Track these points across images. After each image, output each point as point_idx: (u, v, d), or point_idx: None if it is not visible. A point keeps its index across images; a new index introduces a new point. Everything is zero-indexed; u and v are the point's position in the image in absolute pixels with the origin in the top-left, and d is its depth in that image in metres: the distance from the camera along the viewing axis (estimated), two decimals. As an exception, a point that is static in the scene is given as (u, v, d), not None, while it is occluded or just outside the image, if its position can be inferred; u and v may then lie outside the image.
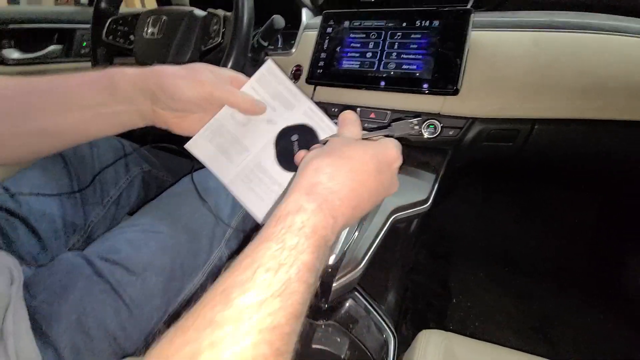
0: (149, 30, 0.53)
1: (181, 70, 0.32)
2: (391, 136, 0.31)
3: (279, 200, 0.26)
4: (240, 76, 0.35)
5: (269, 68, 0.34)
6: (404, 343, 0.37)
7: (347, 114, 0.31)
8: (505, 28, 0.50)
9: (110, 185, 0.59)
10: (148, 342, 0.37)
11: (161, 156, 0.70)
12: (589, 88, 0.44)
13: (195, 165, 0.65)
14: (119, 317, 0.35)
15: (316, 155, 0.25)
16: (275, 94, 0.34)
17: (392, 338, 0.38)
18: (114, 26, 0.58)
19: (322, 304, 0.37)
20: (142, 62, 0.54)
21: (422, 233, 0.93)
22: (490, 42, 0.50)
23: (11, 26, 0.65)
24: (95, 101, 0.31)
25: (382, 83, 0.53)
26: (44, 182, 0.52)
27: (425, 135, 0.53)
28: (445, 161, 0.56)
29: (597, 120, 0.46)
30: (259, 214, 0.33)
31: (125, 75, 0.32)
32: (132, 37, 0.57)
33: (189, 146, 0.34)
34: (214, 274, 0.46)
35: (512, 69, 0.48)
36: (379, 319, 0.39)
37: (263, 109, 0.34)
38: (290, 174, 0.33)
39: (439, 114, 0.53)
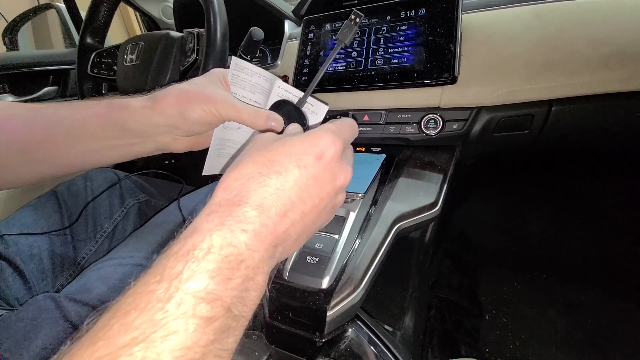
0: (128, 58, 0.52)
1: (190, 93, 0.30)
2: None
3: None
4: (222, 71, 0.33)
5: (236, 65, 0.33)
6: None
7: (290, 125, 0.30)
8: (500, 5, 0.45)
9: (103, 218, 0.57)
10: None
11: (157, 183, 0.68)
12: (607, 58, 0.38)
13: (183, 190, 0.63)
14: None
15: (228, 171, 0.21)
16: (252, 86, 0.34)
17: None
18: (98, 59, 0.58)
19: (317, 338, 0.31)
20: (124, 89, 0.53)
21: (441, 241, 0.84)
22: (485, 22, 0.45)
23: (5, 72, 0.67)
24: (105, 135, 0.31)
25: (372, 81, 0.49)
26: (34, 221, 0.51)
27: (427, 132, 0.48)
28: (454, 159, 0.50)
29: (623, 92, 0.40)
30: None
31: (133, 111, 0.31)
32: (115, 67, 0.57)
33: (206, 172, 0.34)
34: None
35: (514, 48, 0.42)
36: (387, 353, 0.32)
37: (265, 118, 0.31)
38: None
39: (438, 107, 0.48)
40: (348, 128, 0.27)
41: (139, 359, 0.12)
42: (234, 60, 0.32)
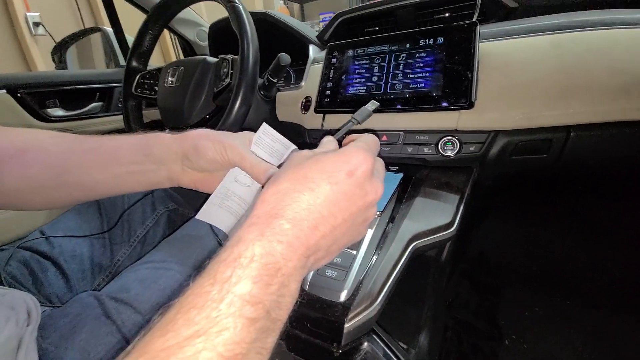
0: (169, 80, 0.58)
1: (211, 134, 0.34)
2: (355, 131, 0.31)
3: None
4: (251, 133, 0.37)
5: (265, 130, 0.36)
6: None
7: (324, 138, 0.31)
8: (518, 35, 0.47)
9: (137, 224, 0.62)
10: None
11: (186, 194, 0.73)
12: (627, 86, 0.38)
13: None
14: (122, 361, 0.33)
15: (266, 187, 0.24)
16: (272, 151, 0.36)
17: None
18: (142, 80, 0.64)
19: (334, 349, 0.32)
20: (163, 107, 0.59)
21: (458, 261, 0.83)
22: (502, 51, 0.47)
23: (57, 88, 0.75)
24: (129, 160, 0.34)
25: (391, 104, 0.51)
26: (77, 225, 0.56)
27: (444, 153, 0.50)
28: (471, 180, 0.51)
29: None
30: None
31: (161, 139, 0.35)
32: (156, 88, 0.63)
33: (200, 216, 0.35)
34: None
35: (532, 75, 0.44)
36: (401, 366, 0.33)
37: (264, 170, 0.33)
38: None
39: (455, 129, 0.49)
40: (375, 144, 0.29)
41: (200, 349, 0.15)
42: (263, 126, 0.35)
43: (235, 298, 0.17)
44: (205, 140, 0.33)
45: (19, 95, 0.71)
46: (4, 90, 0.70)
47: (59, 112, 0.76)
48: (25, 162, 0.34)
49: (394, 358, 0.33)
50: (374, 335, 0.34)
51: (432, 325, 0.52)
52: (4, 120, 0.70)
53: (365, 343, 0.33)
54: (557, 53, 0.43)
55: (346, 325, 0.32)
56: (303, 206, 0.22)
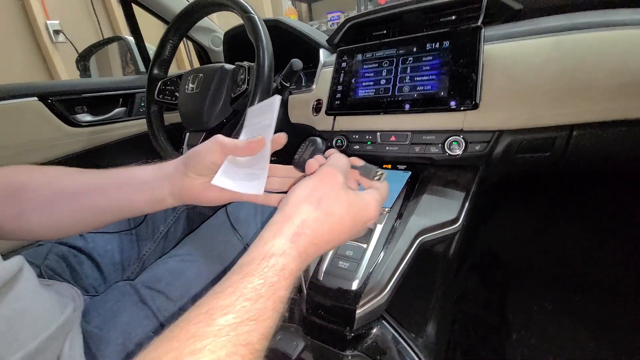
0: (189, 86, 0.62)
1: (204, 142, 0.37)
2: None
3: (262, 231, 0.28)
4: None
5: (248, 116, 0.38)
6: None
7: (334, 153, 0.35)
8: (521, 37, 0.49)
9: (159, 222, 0.67)
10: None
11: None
12: (626, 86, 0.40)
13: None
14: (157, 343, 0.37)
15: (304, 199, 0.28)
16: (259, 125, 0.36)
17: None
18: (163, 87, 0.69)
19: (347, 332, 0.35)
20: (184, 112, 0.63)
21: (466, 256, 0.85)
22: (506, 53, 0.49)
23: (84, 95, 0.80)
24: (142, 179, 0.36)
25: (399, 106, 0.54)
26: (107, 223, 0.61)
27: (450, 152, 0.52)
28: (477, 177, 0.53)
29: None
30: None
31: (172, 158, 0.38)
32: (177, 93, 0.67)
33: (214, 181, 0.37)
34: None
35: (535, 76, 0.46)
36: (409, 350, 0.36)
37: (261, 144, 0.35)
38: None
39: (461, 129, 0.51)
40: (387, 191, 0.34)
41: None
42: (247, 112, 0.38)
43: (277, 299, 0.23)
44: (201, 146, 0.35)
45: (49, 101, 0.77)
46: (36, 98, 0.75)
47: (87, 117, 0.82)
48: (54, 191, 0.35)
49: (402, 342, 0.36)
50: (383, 322, 0.37)
51: (439, 316, 0.55)
52: (38, 125, 0.76)
53: (375, 328, 0.37)
54: (559, 54, 0.45)
55: (358, 311, 0.35)
56: (329, 239, 0.28)
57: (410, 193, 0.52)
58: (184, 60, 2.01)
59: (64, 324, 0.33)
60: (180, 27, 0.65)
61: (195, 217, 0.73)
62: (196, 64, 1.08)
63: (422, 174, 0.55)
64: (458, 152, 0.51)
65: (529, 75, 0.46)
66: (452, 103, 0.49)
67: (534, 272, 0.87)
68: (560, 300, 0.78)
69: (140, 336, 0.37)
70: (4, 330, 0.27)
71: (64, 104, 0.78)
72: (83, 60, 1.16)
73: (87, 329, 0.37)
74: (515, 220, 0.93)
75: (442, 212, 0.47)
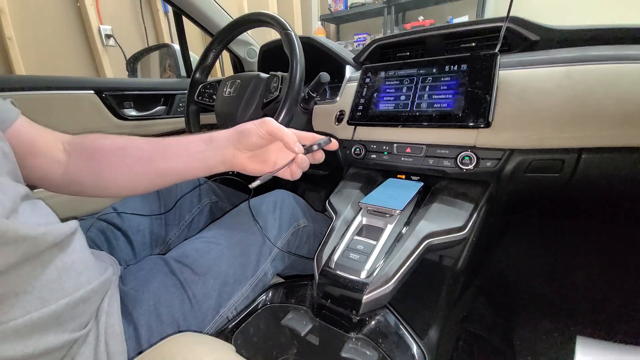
0: (227, 91, 0.69)
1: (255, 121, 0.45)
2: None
3: None
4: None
5: None
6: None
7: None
8: (535, 65, 0.52)
9: (186, 211, 0.73)
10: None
11: (226, 191, 0.84)
12: (631, 115, 0.43)
13: (252, 193, 0.76)
14: (183, 309, 0.42)
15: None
16: None
17: (420, 355, 0.37)
18: (203, 90, 0.76)
19: (353, 316, 0.38)
20: (220, 113, 0.70)
21: (474, 275, 0.86)
22: (520, 78, 0.53)
23: (131, 92, 0.90)
24: (196, 149, 0.44)
25: (416, 121, 0.58)
26: (141, 206, 0.67)
27: (462, 167, 0.55)
28: (487, 192, 0.56)
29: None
30: None
31: (220, 133, 0.46)
32: (214, 97, 0.74)
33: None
34: (259, 287, 0.52)
35: (545, 101, 0.49)
36: (408, 336, 0.38)
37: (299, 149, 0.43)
38: None
39: (474, 146, 0.55)
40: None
41: None
42: None
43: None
44: (248, 124, 0.44)
45: (103, 95, 0.86)
46: (92, 91, 0.85)
47: (132, 112, 0.92)
48: (125, 155, 0.44)
49: (403, 330, 0.39)
50: (387, 311, 0.40)
51: (442, 324, 0.56)
52: (91, 115, 0.85)
53: (379, 315, 0.39)
54: (569, 82, 0.48)
55: (364, 297, 0.38)
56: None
57: (421, 202, 0.56)
58: (216, 67, 2.16)
59: (104, 282, 0.38)
60: (224, 38, 0.73)
61: (216, 211, 0.79)
62: (227, 72, 1.18)
63: (434, 186, 0.59)
64: (470, 166, 0.54)
65: (540, 99, 0.50)
66: (466, 120, 0.53)
67: (542, 301, 0.86)
68: (569, 333, 0.77)
69: (169, 301, 0.42)
70: (54, 279, 0.32)
71: (115, 98, 0.88)
72: (133, 62, 1.29)
73: (124, 289, 0.42)
74: (526, 245, 0.93)
75: (450, 219, 0.50)
